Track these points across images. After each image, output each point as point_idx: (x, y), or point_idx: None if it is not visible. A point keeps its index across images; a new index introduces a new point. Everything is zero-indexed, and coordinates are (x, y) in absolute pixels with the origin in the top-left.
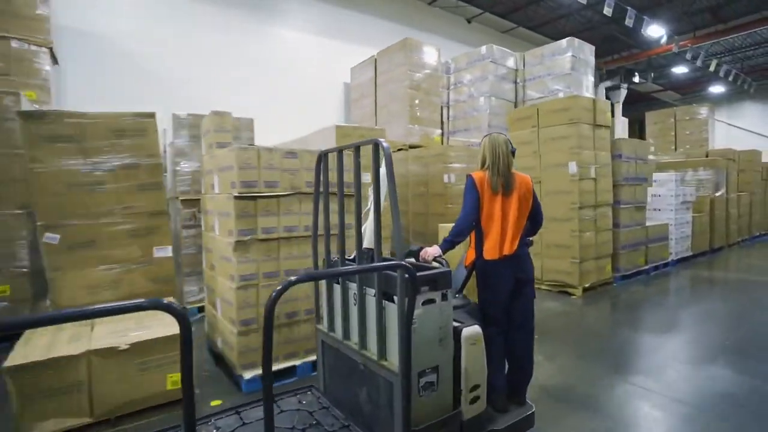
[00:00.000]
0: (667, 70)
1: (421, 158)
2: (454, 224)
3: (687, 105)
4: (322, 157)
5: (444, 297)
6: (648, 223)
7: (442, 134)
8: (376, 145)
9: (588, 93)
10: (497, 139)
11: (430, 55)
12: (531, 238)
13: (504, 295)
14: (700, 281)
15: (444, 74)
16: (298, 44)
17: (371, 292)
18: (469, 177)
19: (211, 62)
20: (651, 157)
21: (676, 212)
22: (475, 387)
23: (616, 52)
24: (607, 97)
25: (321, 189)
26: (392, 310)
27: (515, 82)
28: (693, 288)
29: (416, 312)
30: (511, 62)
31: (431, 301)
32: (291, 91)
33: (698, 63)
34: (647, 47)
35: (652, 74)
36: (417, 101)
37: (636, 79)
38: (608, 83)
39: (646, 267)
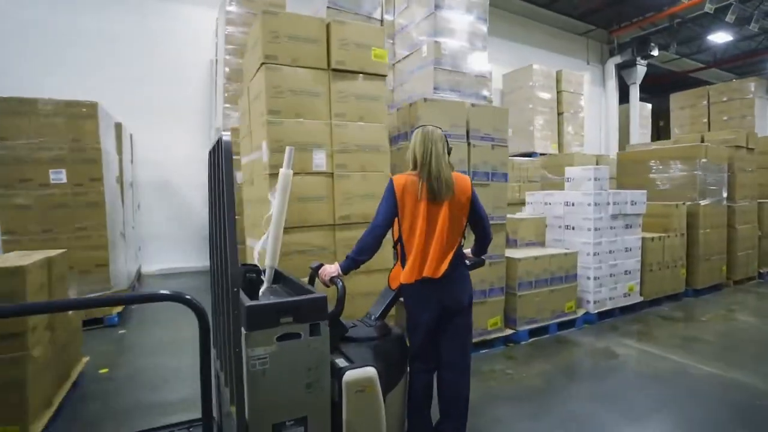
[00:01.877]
0: (703, 40)
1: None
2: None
3: (724, 83)
4: (212, 153)
5: (314, 330)
6: (530, 253)
7: None
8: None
9: (478, 48)
10: (431, 134)
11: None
12: (483, 257)
13: (427, 326)
14: (599, 375)
15: None
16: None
17: None
18: (390, 180)
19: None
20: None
21: (598, 232)
22: None
23: (627, 20)
24: (621, 78)
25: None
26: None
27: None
28: (557, 406)
29: (269, 349)
30: (365, 7)
31: (293, 335)
32: (161, 73)
33: (728, 19)
34: (668, 5)
35: (676, 45)
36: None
37: (655, 52)
38: (618, 59)
39: (509, 333)
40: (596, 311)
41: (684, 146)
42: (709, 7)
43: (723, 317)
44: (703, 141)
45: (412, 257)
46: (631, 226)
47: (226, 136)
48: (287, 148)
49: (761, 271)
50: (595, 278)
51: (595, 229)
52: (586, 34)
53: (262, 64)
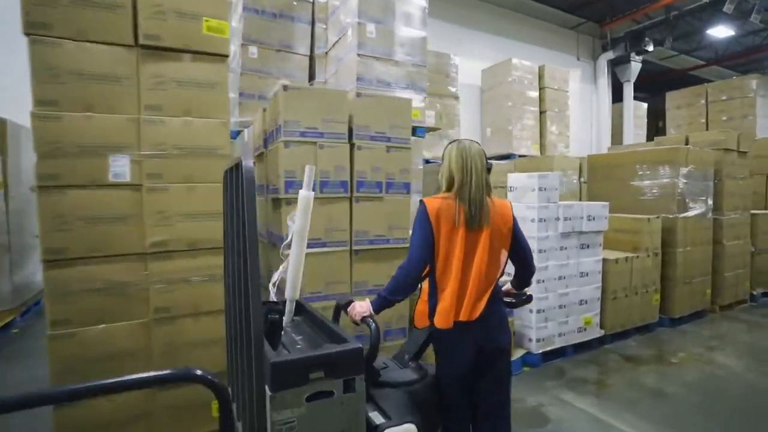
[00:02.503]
0: (703, 35)
1: None
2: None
3: (724, 80)
4: (228, 174)
5: (348, 387)
6: None
7: None
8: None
9: (415, 32)
10: (469, 149)
11: None
12: (527, 291)
13: (462, 372)
14: None
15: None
16: None
17: None
18: (421, 204)
19: None
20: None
21: (543, 254)
22: None
23: (620, 12)
24: (614, 75)
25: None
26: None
27: (312, 23)
28: None
29: (298, 411)
30: None
31: (326, 394)
32: None
33: (726, 9)
34: None
35: (672, 40)
36: None
37: (650, 48)
38: (611, 54)
39: None
40: (540, 351)
41: (661, 149)
42: None
43: (698, 358)
44: (687, 143)
45: (447, 296)
46: (588, 246)
47: (248, 162)
48: (307, 167)
49: (753, 292)
50: (538, 311)
51: (539, 251)
52: (576, 27)
53: (27, 35)
